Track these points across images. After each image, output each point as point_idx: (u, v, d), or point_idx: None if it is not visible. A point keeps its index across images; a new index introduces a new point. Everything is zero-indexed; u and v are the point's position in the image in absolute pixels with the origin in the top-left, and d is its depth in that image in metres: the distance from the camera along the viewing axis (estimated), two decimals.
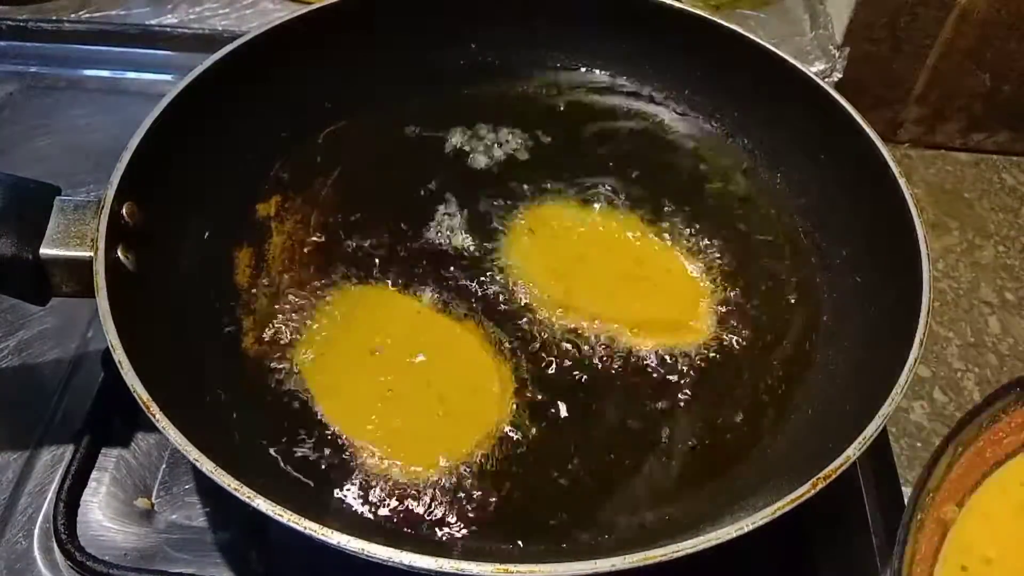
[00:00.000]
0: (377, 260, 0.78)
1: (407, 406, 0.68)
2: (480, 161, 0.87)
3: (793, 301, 0.77)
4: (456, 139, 0.88)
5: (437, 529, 0.63)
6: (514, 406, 0.69)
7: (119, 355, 0.58)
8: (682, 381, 0.72)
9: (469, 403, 0.69)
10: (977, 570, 0.57)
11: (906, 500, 0.69)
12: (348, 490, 0.64)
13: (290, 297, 0.75)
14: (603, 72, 0.94)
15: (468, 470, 0.65)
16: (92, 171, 0.90)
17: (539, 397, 0.70)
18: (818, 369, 0.73)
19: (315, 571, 0.67)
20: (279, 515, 0.52)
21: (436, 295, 0.75)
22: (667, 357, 0.73)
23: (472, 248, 0.79)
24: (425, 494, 0.64)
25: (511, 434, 0.67)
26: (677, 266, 0.79)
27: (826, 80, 0.92)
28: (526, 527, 0.63)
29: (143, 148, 0.70)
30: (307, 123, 0.87)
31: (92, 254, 0.63)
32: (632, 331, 0.74)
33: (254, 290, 0.75)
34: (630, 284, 0.77)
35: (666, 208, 0.83)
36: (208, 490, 0.71)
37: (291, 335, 0.72)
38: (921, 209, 0.71)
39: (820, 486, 0.56)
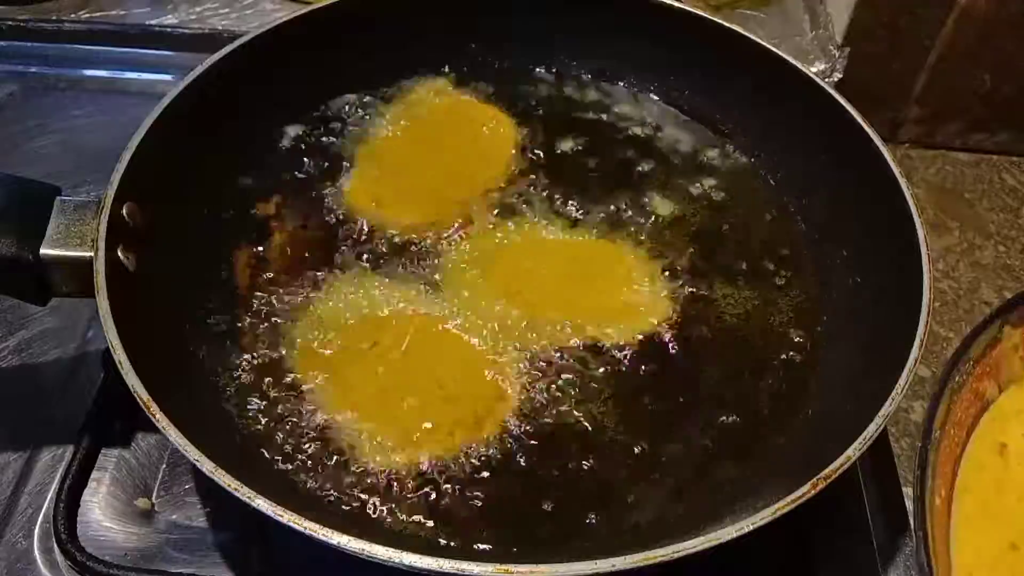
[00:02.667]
0: (376, 260, 0.78)
1: (403, 400, 0.68)
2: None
3: (793, 302, 0.77)
4: None
5: (439, 526, 0.63)
6: (507, 413, 0.69)
7: (119, 355, 0.58)
8: (681, 382, 0.72)
9: (464, 401, 0.69)
10: (1019, 447, 0.55)
11: (906, 500, 0.70)
12: (348, 487, 0.64)
13: (289, 296, 0.74)
14: (600, 73, 0.94)
15: (468, 469, 0.65)
16: (92, 171, 0.90)
17: (529, 407, 0.69)
18: (818, 369, 0.73)
19: (315, 571, 0.67)
20: (279, 515, 0.52)
21: (431, 297, 0.75)
22: (661, 355, 0.73)
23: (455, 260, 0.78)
24: (425, 490, 0.64)
25: (503, 440, 0.67)
26: (628, 261, 0.79)
27: (826, 80, 0.92)
28: (524, 525, 0.63)
29: (143, 148, 0.70)
30: (307, 124, 0.87)
31: (92, 254, 0.63)
32: (608, 328, 0.74)
33: (254, 289, 0.75)
34: (585, 284, 0.77)
35: (660, 210, 0.83)
36: (208, 490, 0.71)
37: (290, 334, 0.72)
38: (921, 209, 0.71)
39: (820, 486, 0.56)
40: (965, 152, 1.20)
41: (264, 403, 0.68)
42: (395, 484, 0.64)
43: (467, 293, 0.75)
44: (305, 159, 0.85)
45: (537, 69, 0.94)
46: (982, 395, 0.60)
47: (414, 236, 0.80)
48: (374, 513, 0.63)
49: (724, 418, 0.70)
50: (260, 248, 0.78)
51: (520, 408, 0.69)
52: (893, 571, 0.68)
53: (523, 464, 0.66)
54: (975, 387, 0.59)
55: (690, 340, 0.74)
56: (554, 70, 0.94)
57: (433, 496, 0.64)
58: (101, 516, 0.70)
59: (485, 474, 0.65)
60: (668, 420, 0.69)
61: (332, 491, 0.64)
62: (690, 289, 0.77)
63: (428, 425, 0.67)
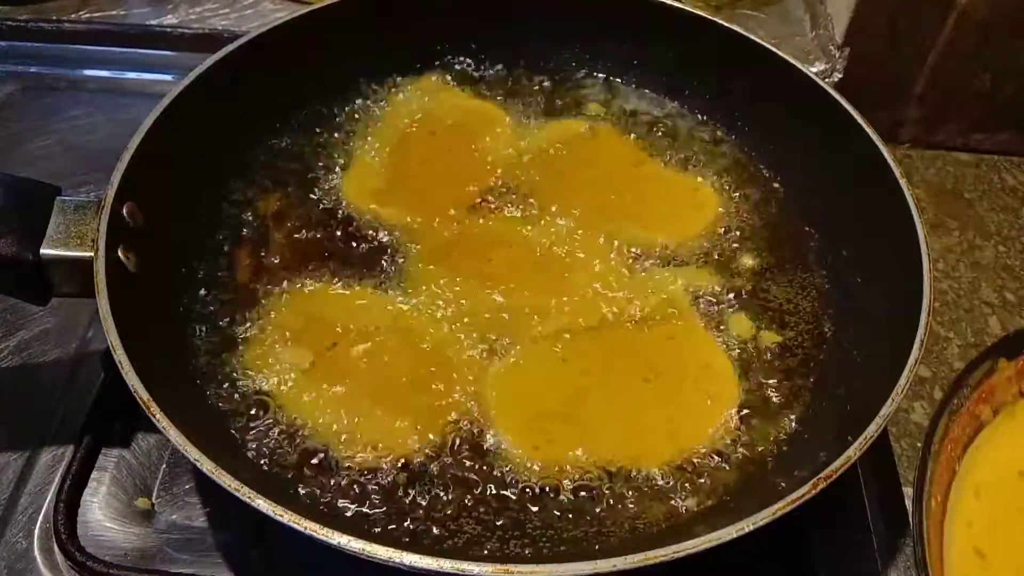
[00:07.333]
0: (376, 261, 0.78)
1: (397, 400, 0.68)
2: None
3: (793, 302, 0.77)
4: None
5: (433, 523, 0.63)
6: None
7: (119, 355, 0.58)
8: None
9: (447, 395, 0.69)
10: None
11: (906, 500, 0.70)
12: (344, 486, 0.64)
13: (289, 296, 0.74)
14: (602, 72, 0.94)
15: (446, 465, 0.66)
16: (92, 171, 0.91)
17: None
18: (818, 369, 0.73)
19: (315, 571, 0.68)
20: (279, 515, 0.52)
21: (422, 295, 0.75)
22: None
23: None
24: (408, 489, 0.64)
25: (474, 433, 0.67)
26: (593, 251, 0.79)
27: (826, 80, 0.92)
28: (517, 523, 0.63)
29: (143, 148, 0.70)
30: (307, 123, 0.87)
31: (92, 254, 0.63)
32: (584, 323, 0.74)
33: (254, 289, 0.75)
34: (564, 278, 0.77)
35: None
36: (208, 490, 0.71)
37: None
38: (921, 209, 0.71)
39: (820, 486, 0.56)
40: (965, 152, 1.20)
41: (264, 402, 0.68)
42: (383, 482, 0.64)
43: (452, 289, 0.75)
44: (304, 158, 0.85)
45: (536, 69, 0.94)
46: (977, 417, 0.68)
47: (410, 235, 0.80)
48: (369, 508, 0.63)
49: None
50: (260, 247, 0.78)
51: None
52: (893, 571, 0.68)
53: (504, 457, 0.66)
54: (972, 410, 0.67)
55: None
56: (553, 69, 0.94)
57: (420, 492, 0.64)
58: (101, 516, 0.70)
59: (463, 470, 0.65)
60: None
61: (329, 490, 0.64)
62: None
63: (405, 423, 0.67)
